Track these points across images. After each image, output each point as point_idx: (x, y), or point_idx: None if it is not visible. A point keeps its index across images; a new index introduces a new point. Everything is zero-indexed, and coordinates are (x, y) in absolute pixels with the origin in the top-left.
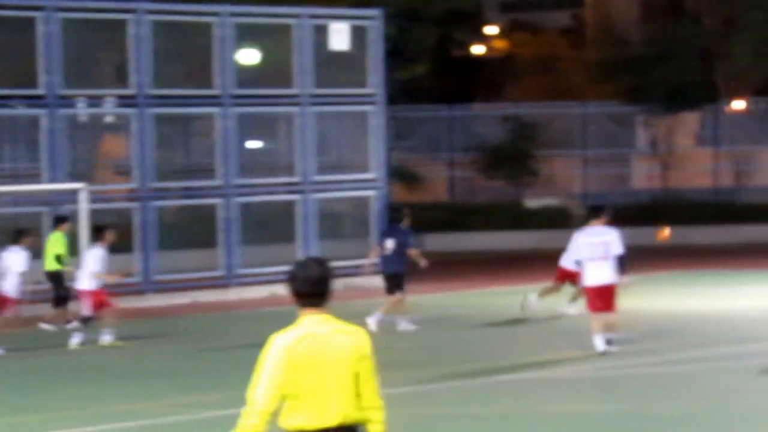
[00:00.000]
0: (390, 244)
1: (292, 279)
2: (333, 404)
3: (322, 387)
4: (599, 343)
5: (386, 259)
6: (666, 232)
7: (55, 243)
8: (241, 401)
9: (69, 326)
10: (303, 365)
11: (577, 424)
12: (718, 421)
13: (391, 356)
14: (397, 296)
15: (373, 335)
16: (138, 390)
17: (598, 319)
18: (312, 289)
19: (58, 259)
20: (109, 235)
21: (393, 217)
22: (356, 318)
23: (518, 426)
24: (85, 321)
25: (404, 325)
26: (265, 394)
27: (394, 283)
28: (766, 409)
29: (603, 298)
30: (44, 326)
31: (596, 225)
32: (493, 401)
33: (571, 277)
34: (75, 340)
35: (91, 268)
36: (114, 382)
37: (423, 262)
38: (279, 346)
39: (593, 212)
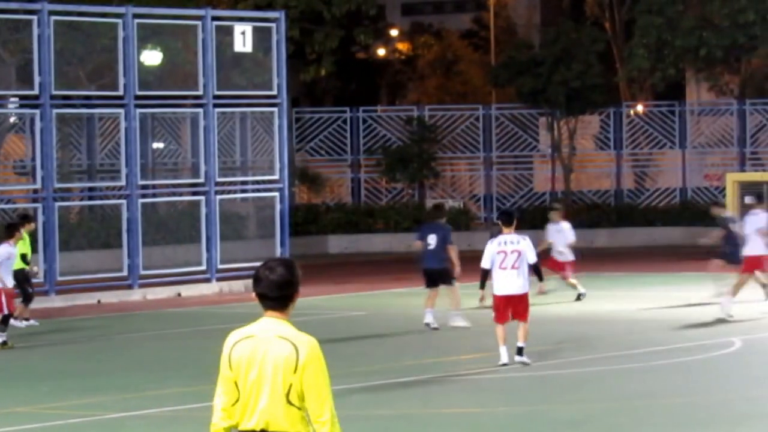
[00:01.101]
0: (432, 240)
1: (255, 280)
2: (259, 408)
3: (252, 390)
4: (504, 354)
5: (430, 255)
6: (481, 296)
7: (20, 243)
8: (144, 403)
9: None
10: (238, 365)
11: (481, 426)
12: (619, 423)
13: None
14: (437, 291)
15: None
16: (40, 392)
17: (503, 330)
18: (273, 292)
19: (23, 258)
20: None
21: (434, 214)
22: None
23: (421, 428)
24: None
25: (458, 321)
26: (217, 390)
27: (439, 278)
28: (667, 411)
29: (512, 308)
30: (14, 322)
31: (507, 233)
32: (396, 403)
33: (759, 265)
34: None
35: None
36: (16, 384)
37: (457, 270)
38: (225, 344)
39: (504, 219)
